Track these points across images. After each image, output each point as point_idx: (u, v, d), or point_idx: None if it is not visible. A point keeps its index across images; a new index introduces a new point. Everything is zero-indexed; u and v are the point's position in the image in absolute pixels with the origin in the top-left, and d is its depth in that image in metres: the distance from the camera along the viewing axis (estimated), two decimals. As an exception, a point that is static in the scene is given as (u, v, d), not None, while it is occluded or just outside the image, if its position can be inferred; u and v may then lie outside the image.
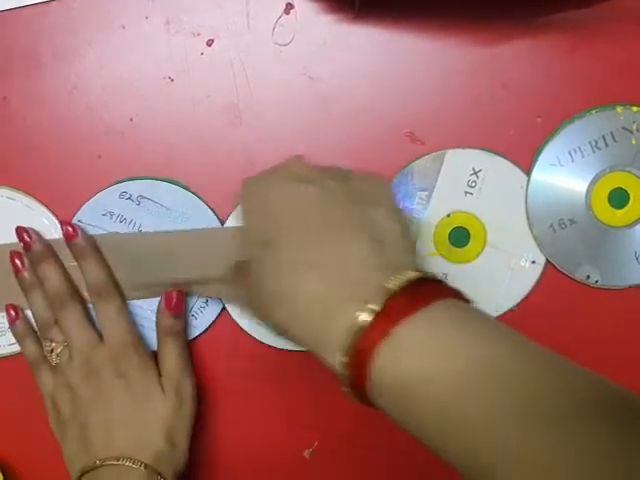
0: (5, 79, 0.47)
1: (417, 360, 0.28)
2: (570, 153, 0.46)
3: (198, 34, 0.47)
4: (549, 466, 0.25)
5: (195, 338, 0.48)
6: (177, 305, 0.46)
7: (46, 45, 0.47)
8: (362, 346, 0.28)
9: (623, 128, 0.46)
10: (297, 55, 0.47)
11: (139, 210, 0.47)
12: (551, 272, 0.47)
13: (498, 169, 0.46)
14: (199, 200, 0.47)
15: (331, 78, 0.47)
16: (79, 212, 0.47)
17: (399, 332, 0.28)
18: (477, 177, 0.46)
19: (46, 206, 0.48)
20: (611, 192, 0.46)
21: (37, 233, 0.47)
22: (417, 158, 0.47)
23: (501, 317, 0.47)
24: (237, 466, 0.49)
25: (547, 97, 0.46)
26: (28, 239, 0.46)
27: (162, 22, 0.47)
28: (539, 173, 0.46)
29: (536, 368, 0.28)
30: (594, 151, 0.46)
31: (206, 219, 0.47)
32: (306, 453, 0.48)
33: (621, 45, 0.46)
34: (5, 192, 0.48)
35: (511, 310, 0.47)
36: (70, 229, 0.46)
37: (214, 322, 0.48)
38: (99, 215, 0.47)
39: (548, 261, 0.47)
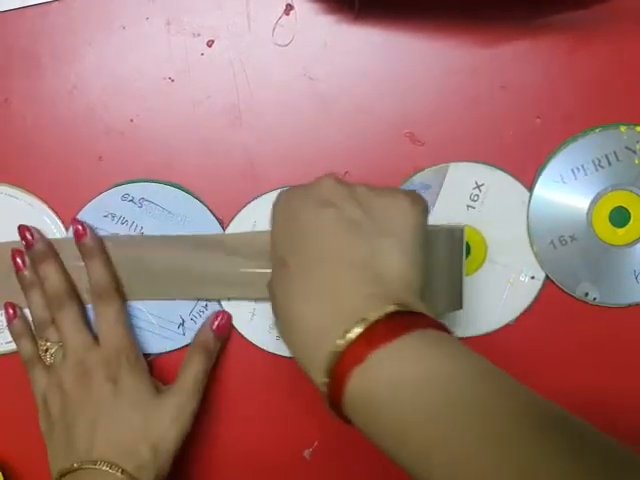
0: (6, 80, 0.47)
1: (383, 386, 0.31)
2: (573, 171, 0.46)
3: (198, 35, 0.47)
4: None
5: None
6: (222, 327, 0.47)
7: (46, 45, 0.47)
8: (338, 370, 0.32)
9: (626, 148, 0.46)
10: (297, 56, 0.47)
11: (141, 213, 0.47)
12: (550, 288, 0.47)
13: (501, 184, 0.47)
14: (201, 204, 0.47)
15: (331, 79, 0.47)
16: (80, 213, 0.47)
17: (371, 359, 0.31)
18: (480, 191, 0.47)
19: (48, 205, 0.48)
20: (612, 210, 0.46)
21: (39, 232, 0.47)
22: (420, 164, 0.47)
23: (499, 331, 0.48)
24: (237, 466, 0.49)
25: (546, 98, 0.46)
26: (30, 238, 0.46)
27: (162, 23, 0.47)
28: (542, 189, 0.47)
29: (499, 399, 0.30)
30: (597, 169, 0.46)
31: (207, 223, 0.47)
32: (306, 453, 0.48)
33: (620, 46, 0.46)
34: (7, 190, 0.48)
35: (509, 325, 0.47)
36: (80, 227, 0.46)
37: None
38: (100, 216, 0.47)
39: (547, 277, 0.47)
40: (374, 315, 0.32)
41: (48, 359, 0.45)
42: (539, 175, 0.46)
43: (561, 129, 0.46)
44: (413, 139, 0.47)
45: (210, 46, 0.47)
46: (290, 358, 0.47)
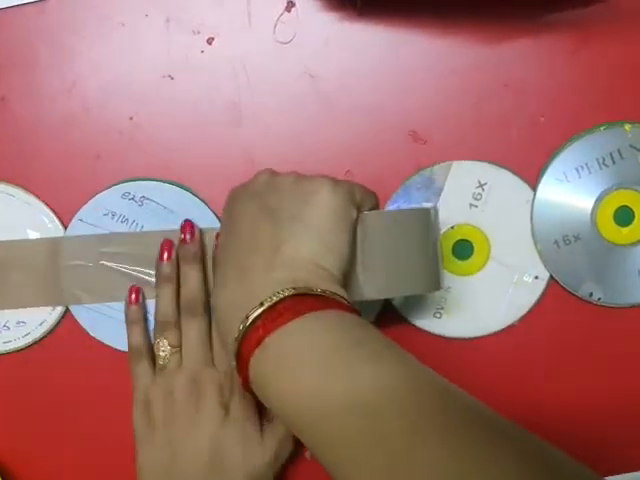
0: (3, 78, 0.47)
1: (273, 364, 0.33)
2: (577, 169, 0.46)
3: (198, 32, 0.46)
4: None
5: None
6: None
7: (44, 43, 0.47)
8: (242, 354, 0.34)
9: (631, 146, 0.46)
10: (298, 53, 0.46)
11: (141, 211, 0.47)
12: (554, 288, 0.47)
13: (504, 183, 0.46)
14: (201, 202, 0.47)
15: (332, 76, 0.47)
16: (80, 211, 0.47)
17: (269, 341, 0.33)
18: (483, 190, 0.46)
19: (46, 204, 0.47)
20: (617, 210, 0.46)
21: (200, 234, 0.46)
22: (423, 162, 0.47)
23: (503, 332, 0.47)
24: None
25: (550, 96, 0.46)
26: (189, 236, 0.45)
27: (162, 20, 0.46)
28: (545, 188, 0.46)
29: (368, 367, 0.31)
30: (601, 168, 0.46)
31: (208, 221, 0.47)
32: (307, 454, 0.48)
33: (625, 44, 0.46)
34: (4, 188, 0.47)
35: (512, 325, 0.47)
36: (189, 236, 0.45)
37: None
38: (101, 215, 0.47)
39: (551, 277, 0.47)
40: (272, 298, 0.33)
41: (162, 360, 0.45)
42: (543, 174, 0.46)
43: (565, 127, 0.46)
44: (416, 137, 0.47)
45: (210, 43, 0.46)
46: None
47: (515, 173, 0.46)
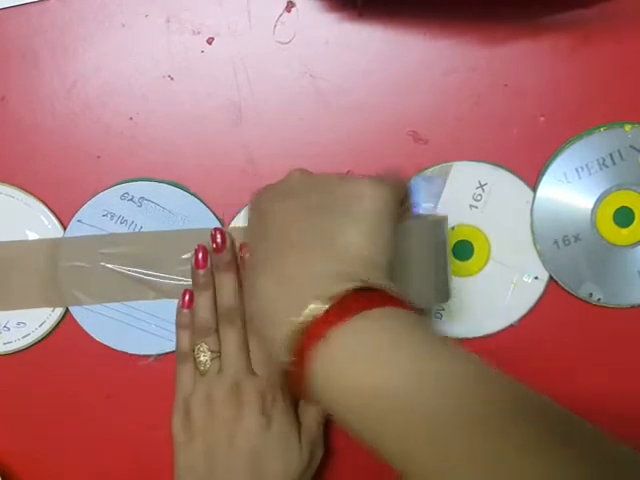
0: (4, 78, 0.47)
1: (343, 361, 0.31)
2: (577, 170, 0.46)
3: (198, 32, 0.46)
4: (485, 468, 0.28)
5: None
6: None
7: (45, 43, 0.47)
8: (301, 348, 0.32)
9: (631, 147, 0.46)
10: (298, 53, 0.46)
11: (140, 212, 0.47)
12: (554, 289, 0.47)
13: (504, 183, 0.46)
14: (201, 203, 0.47)
15: (332, 77, 0.47)
16: (79, 212, 0.47)
17: (332, 335, 0.32)
18: (483, 191, 0.46)
19: (45, 204, 0.47)
20: (617, 210, 0.46)
21: (232, 241, 0.45)
22: (423, 162, 0.47)
23: (503, 332, 0.47)
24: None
25: (550, 97, 0.46)
26: (221, 243, 0.45)
27: (162, 20, 0.46)
28: (545, 189, 0.46)
29: (460, 381, 0.30)
30: (601, 169, 0.46)
31: (207, 222, 0.47)
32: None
33: (625, 44, 0.46)
34: (4, 189, 0.47)
35: (512, 325, 0.47)
36: (221, 244, 0.45)
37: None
38: (100, 216, 0.47)
39: (551, 277, 0.47)
40: (334, 292, 0.32)
41: (202, 366, 0.44)
42: (543, 174, 0.46)
43: (565, 128, 0.46)
44: (416, 138, 0.47)
45: (210, 44, 0.46)
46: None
47: (515, 174, 0.46)
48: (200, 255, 0.45)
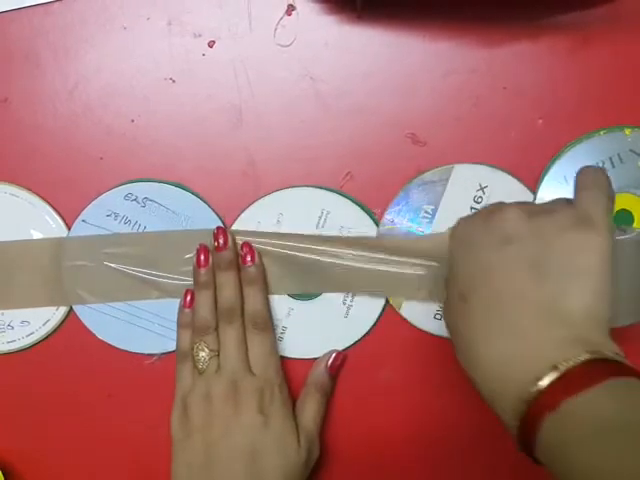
0: (6, 80, 0.47)
1: (577, 435, 0.30)
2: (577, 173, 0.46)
3: (200, 35, 0.47)
4: None
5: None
6: (337, 368, 0.47)
7: (47, 46, 0.47)
8: (529, 416, 0.32)
9: (630, 150, 0.46)
10: (299, 56, 0.47)
11: (144, 212, 0.47)
12: None
13: (505, 186, 0.46)
14: (204, 203, 0.47)
15: (333, 79, 0.47)
16: (83, 212, 0.47)
17: (564, 407, 0.31)
18: (483, 193, 0.46)
19: (49, 204, 0.48)
20: (616, 213, 0.46)
21: (234, 239, 0.46)
22: (422, 164, 0.47)
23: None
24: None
25: (549, 99, 0.46)
26: (222, 242, 0.45)
27: (164, 23, 0.47)
28: (545, 191, 0.46)
29: None
30: None
31: (210, 222, 0.47)
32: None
33: (625, 47, 0.46)
34: (8, 189, 0.48)
35: None
36: (222, 243, 0.45)
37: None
38: (104, 216, 0.47)
39: None
40: (566, 362, 0.32)
41: (200, 365, 0.45)
42: (543, 177, 0.46)
43: (564, 130, 0.46)
44: (415, 140, 0.47)
45: (211, 46, 0.47)
46: (291, 358, 0.48)
47: (515, 176, 0.46)
48: (201, 254, 0.45)
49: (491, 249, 0.36)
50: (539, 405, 0.32)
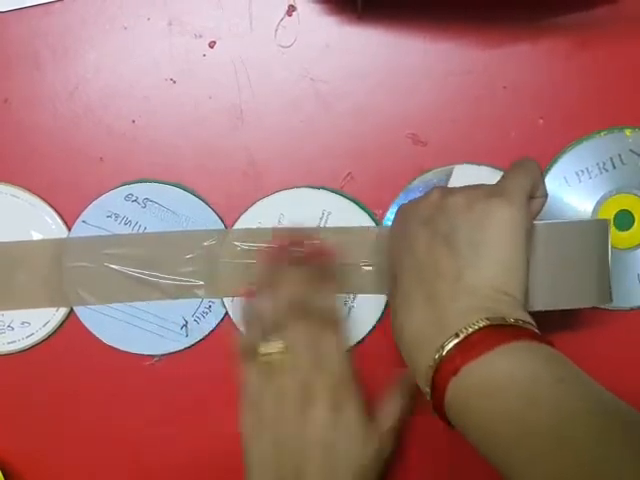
0: (6, 81, 0.47)
1: (473, 395, 0.34)
2: (577, 174, 0.46)
3: (200, 36, 0.47)
4: None
5: (198, 342, 0.48)
6: None
7: (47, 46, 0.47)
8: (437, 381, 0.35)
9: (631, 151, 0.46)
10: (299, 57, 0.47)
11: (144, 213, 0.47)
12: None
13: None
14: (204, 204, 0.47)
15: (333, 80, 0.47)
16: (84, 213, 0.47)
17: (465, 371, 0.34)
18: None
19: (50, 205, 0.47)
20: (617, 214, 0.46)
21: (307, 237, 0.46)
22: (423, 164, 0.47)
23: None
24: (238, 468, 0.49)
25: (549, 99, 0.46)
26: (297, 239, 0.46)
27: (164, 23, 0.47)
28: None
29: (573, 402, 0.32)
30: (601, 172, 0.46)
31: (211, 223, 0.47)
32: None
33: (626, 47, 0.46)
34: (9, 190, 0.48)
35: None
36: (296, 237, 0.46)
37: (216, 327, 0.48)
38: (104, 217, 0.47)
39: None
40: (466, 329, 0.35)
41: (270, 362, 0.44)
42: (543, 177, 0.46)
43: (564, 130, 0.46)
44: (415, 140, 0.47)
45: (212, 47, 0.47)
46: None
47: (517, 178, 0.47)
48: (272, 249, 0.46)
49: (412, 230, 0.39)
50: (444, 370, 0.35)
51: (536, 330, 0.36)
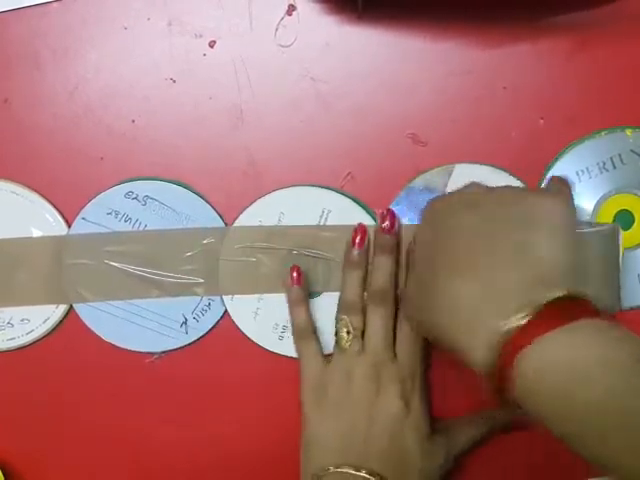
0: (6, 80, 0.47)
1: (553, 370, 0.32)
2: (578, 173, 0.46)
3: (200, 35, 0.47)
4: None
5: (196, 340, 0.48)
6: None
7: (47, 46, 0.47)
8: (504, 353, 0.33)
9: (632, 151, 0.46)
10: (299, 56, 0.47)
11: (144, 210, 0.47)
12: None
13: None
14: (204, 202, 0.47)
15: (333, 79, 0.47)
16: (84, 210, 0.47)
17: (538, 343, 0.32)
18: None
19: (50, 202, 0.47)
20: (616, 214, 0.46)
21: (399, 226, 0.46)
22: (422, 164, 0.47)
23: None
24: (237, 466, 0.49)
25: (549, 99, 0.46)
26: (389, 226, 0.45)
27: (164, 23, 0.47)
28: None
29: None
30: (601, 172, 0.46)
31: (211, 221, 0.47)
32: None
33: (626, 48, 0.46)
34: (9, 187, 0.48)
35: None
36: (389, 225, 0.45)
37: (216, 325, 0.48)
38: (104, 214, 0.47)
39: None
40: (541, 299, 0.33)
41: (342, 342, 0.44)
42: (544, 177, 0.46)
43: (565, 131, 0.46)
44: (415, 140, 0.47)
45: (212, 47, 0.47)
46: (292, 358, 0.47)
47: (516, 176, 0.46)
48: (359, 234, 0.45)
49: (459, 213, 0.38)
50: (514, 341, 0.32)
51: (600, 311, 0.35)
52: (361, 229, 0.46)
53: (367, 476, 0.41)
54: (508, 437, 0.46)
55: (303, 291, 0.46)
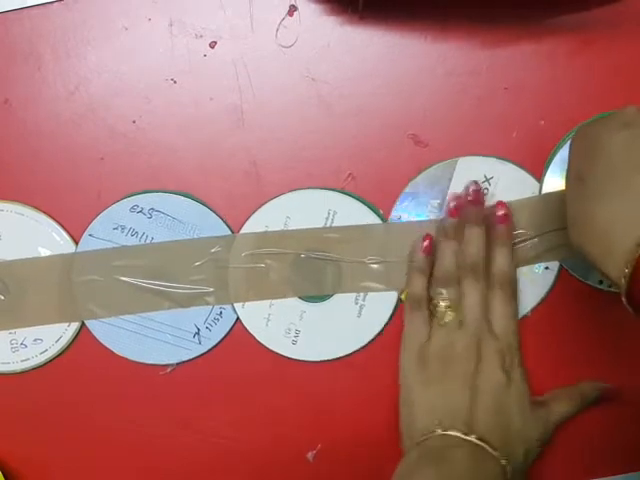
0: (7, 81, 0.47)
1: None
2: None
3: (201, 36, 0.47)
4: None
5: (211, 349, 0.48)
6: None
7: (47, 46, 0.47)
8: None
9: None
10: (300, 57, 0.47)
11: (150, 223, 0.47)
12: (564, 277, 0.47)
13: (510, 176, 0.47)
14: (209, 211, 0.47)
15: (334, 80, 0.47)
16: (90, 226, 0.47)
17: None
18: (489, 184, 0.47)
19: (55, 220, 0.47)
20: None
21: (484, 202, 0.46)
22: (424, 165, 0.47)
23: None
24: (241, 466, 0.49)
25: (550, 100, 0.46)
26: (481, 197, 0.45)
27: (165, 24, 0.46)
28: (550, 179, 0.46)
29: None
30: None
31: (217, 229, 0.47)
32: (309, 455, 0.48)
33: (625, 48, 0.46)
34: (14, 208, 0.48)
35: (525, 316, 0.47)
36: (475, 197, 0.45)
37: (228, 333, 0.48)
38: (110, 229, 0.47)
39: (561, 266, 0.47)
40: None
41: (440, 315, 0.45)
42: (547, 166, 0.46)
43: (565, 131, 0.46)
44: (416, 140, 0.47)
45: (213, 47, 0.47)
46: (306, 362, 0.48)
47: (520, 166, 0.47)
48: (453, 204, 0.45)
49: (611, 132, 0.38)
50: None
51: None
52: (456, 199, 0.46)
53: (477, 441, 0.42)
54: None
55: (428, 262, 0.46)
